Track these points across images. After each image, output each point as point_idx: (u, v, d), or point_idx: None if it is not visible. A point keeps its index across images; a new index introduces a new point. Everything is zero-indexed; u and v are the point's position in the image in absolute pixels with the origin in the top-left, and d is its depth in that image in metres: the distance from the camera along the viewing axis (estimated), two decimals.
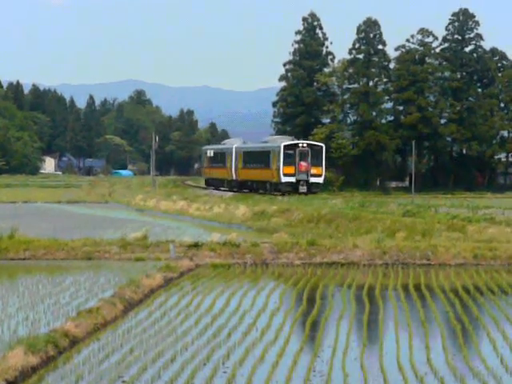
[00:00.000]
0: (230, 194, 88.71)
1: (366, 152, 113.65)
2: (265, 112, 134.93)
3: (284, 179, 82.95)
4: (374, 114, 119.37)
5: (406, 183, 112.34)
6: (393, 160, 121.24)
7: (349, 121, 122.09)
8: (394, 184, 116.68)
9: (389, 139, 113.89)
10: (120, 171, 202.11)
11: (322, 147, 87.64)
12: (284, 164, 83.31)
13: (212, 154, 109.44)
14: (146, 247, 37.30)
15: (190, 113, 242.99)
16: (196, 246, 37.21)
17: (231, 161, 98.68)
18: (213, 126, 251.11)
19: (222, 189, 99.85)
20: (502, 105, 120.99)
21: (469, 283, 30.52)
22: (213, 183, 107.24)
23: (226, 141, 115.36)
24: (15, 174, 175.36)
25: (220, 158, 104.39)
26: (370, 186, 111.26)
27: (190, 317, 23.19)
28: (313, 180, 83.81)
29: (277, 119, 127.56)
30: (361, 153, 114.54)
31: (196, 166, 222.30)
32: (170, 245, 36.84)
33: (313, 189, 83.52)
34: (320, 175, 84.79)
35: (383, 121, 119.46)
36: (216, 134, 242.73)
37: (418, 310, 24.80)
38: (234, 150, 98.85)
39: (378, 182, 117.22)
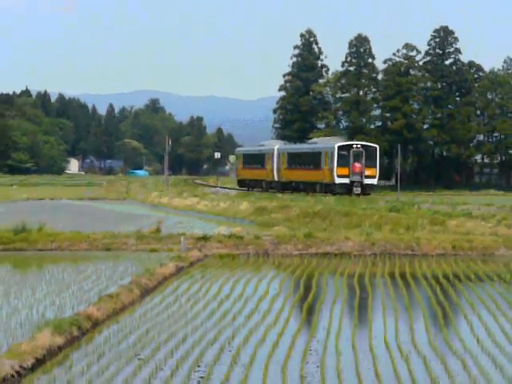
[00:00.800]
0: (235, 192, 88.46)
1: None
2: (266, 118, 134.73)
3: (338, 180, 74.93)
4: (364, 120, 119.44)
5: (393, 182, 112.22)
6: (381, 160, 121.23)
7: (341, 126, 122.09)
8: (381, 183, 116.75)
9: (377, 143, 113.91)
10: (136, 171, 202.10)
11: (375, 148, 79.81)
12: (338, 165, 75.37)
13: (247, 156, 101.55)
14: (159, 239, 37.33)
15: (199, 119, 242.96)
16: (204, 238, 37.22)
17: (272, 162, 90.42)
18: (219, 131, 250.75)
19: (259, 189, 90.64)
20: (478, 112, 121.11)
21: (448, 271, 30.54)
22: (249, 184, 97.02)
23: (263, 142, 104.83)
24: (43, 174, 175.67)
25: (258, 160, 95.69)
26: None
27: (199, 302, 23.20)
28: (367, 181, 75.79)
29: (277, 125, 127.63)
30: None
31: (205, 166, 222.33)
32: (181, 237, 36.84)
33: (366, 190, 75.07)
34: (374, 176, 76.91)
35: (372, 126, 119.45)
36: (222, 139, 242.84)
37: (404, 296, 24.79)
38: (275, 151, 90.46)
39: None
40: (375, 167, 77.00)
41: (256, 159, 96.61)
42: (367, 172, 75.46)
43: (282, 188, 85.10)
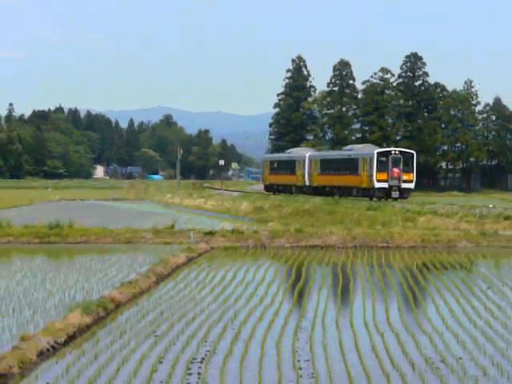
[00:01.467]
0: (237, 193, 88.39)
1: None
2: (263, 131, 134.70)
3: (377, 185, 68.64)
4: (346, 132, 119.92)
5: None
6: None
7: (327, 138, 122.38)
8: None
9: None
10: (152, 176, 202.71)
11: (412, 154, 73.05)
12: (377, 170, 69.07)
13: (275, 163, 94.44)
14: (172, 234, 37.40)
15: (206, 132, 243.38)
16: (210, 233, 37.26)
17: (303, 168, 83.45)
18: (223, 142, 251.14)
19: (288, 193, 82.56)
20: (443, 125, 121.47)
21: (418, 261, 30.60)
22: (277, 189, 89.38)
23: (290, 150, 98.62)
24: (73, 178, 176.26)
25: (287, 166, 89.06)
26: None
27: (206, 287, 23.23)
28: (404, 186, 69.46)
29: (272, 136, 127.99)
30: None
31: (211, 172, 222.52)
32: (191, 232, 36.90)
33: (404, 194, 69.36)
34: (411, 181, 70.47)
35: (353, 138, 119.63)
36: (226, 148, 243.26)
37: (380, 282, 24.82)
38: (306, 158, 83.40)
39: None
40: (412, 172, 71.08)
41: (285, 165, 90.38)
42: (405, 177, 69.82)
43: (314, 192, 78.29)
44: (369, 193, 69.80)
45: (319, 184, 79.90)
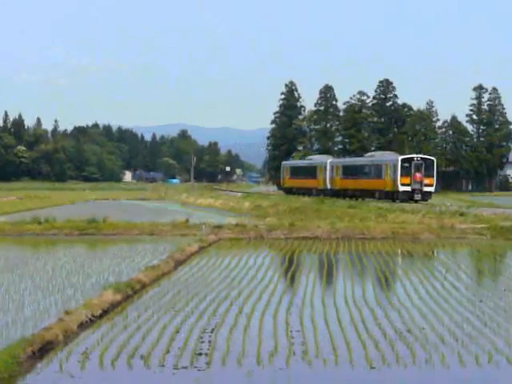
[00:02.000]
0: (240, 194, 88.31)
1: None
2: (262, 143, 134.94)
3: (401, 188, 63.59)
4: (330, 144, 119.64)
5: None
6: None
7: (314, 148, 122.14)
8: None
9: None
10: (171, 179, 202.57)
11: (433, 160, 67.45)
12: (401, 175, 63.97)
13: (295, 168, 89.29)
14: (187, 227, 37.37)
15: (215, 144, 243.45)
16: (218, 226, 37.24)
17: (324, 172, 78.36)
18: (229, 152, 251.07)
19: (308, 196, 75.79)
20: (410, 138, 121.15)
21: (389, 249, 30.60)
22: (297, 191, 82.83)
23: (311, 157, 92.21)
24: (106, 182, 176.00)
25: (307, 171, 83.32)
26: None
27: (215, 270, 23.26)
28: (426, 189, 64.42)
29: (269, 147, 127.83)
30: None
31: (219, 176, 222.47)
32: (203, 226, 36.89)
33: (426, 197, 63.81)
34: (432, 185, 65.32)
35: (335, 148, 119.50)
36: (231, 157, 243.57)
37: (358, 266, 24.86)
38: (327, 164, 78.36)
39: None
40: (433, 177, 65.80)
41: (305, 170, 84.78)
42: (426, 181, 64.72)
43: (335, 194, 73.44)
44: (392, 195, 64.98)
45: (341, 187, 74.79)
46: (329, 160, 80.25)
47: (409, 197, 63.04)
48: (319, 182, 79.13)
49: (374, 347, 12.77)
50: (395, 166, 65.15)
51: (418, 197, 63.15)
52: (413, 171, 64.19)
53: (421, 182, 63.98)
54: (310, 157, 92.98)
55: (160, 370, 11.38)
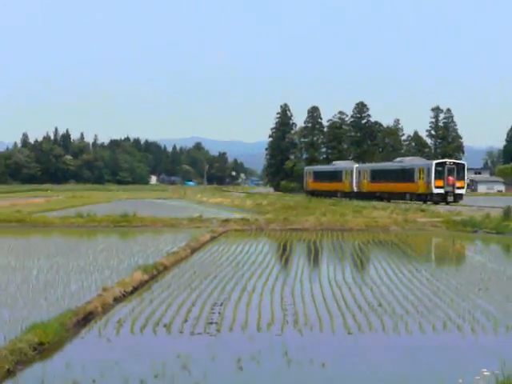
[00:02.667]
0: (243, 194, 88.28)
1: None
2: (261, 153, 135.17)
3: (435, 191, 57.85)
4: (316, 153, 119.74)
5: None
6: None
7: (304, 157, 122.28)
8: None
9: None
10: (188, 182, 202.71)
11: (464, 165, 61.01)
12: (435, 178, 58.04)
13: (318, 173, 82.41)
14: (201, 221, 37.43)
15: (224, 153, 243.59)
16: (226, 220, 37.32)
17: (351, 177, 71.78)
18: (235, 160, 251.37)
19: (331, 198, 70.67)
20: (380, 149, 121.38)
21: (364, 239, 30.60)
22: (321, 194, 76.78)
23: (335, 162, 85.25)
24: (136, 184, 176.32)
25: (332, 175, 76.81)
26: None
27: (223, 255, 23.26)
28: (457, 191, 58.64)
29: (267, 157, 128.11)
30: None
31: (227, 180, 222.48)
32: (213, 220, 36.98)
33: (457, 198, 58.13)
34: (463, 187, 59.48)
35: (321, 158, 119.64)
36: (236, 165, 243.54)
37: (338, 252, 24.88)
38: (354, 169, 71.96)
39: None
40: (464, 180, 59.89)
41: (329, 175, 78.06)
42: (458, 184, 58.91)
43: (362, 197, 66.93)
44: (425, 197, 58.95)
45: (368, 190, 68.42)
46: (355, 165, 74.20)
47: (442, 199, 57.87)
48: (345, 186, 73.07)
49: (351, 317, 12.78)
50: (429, 170, 59.15)
51: (450, 199, 57.86)
52: (446, 175, 58.70)
53: (453, 185, 58.50)
54: (333, 162, 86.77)
55: (179, 336, 11.40)
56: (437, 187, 58.13)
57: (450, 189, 58.22)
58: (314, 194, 78.47)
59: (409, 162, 66.02)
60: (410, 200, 59.21)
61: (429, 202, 55.99)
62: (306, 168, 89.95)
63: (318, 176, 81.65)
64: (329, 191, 75.57)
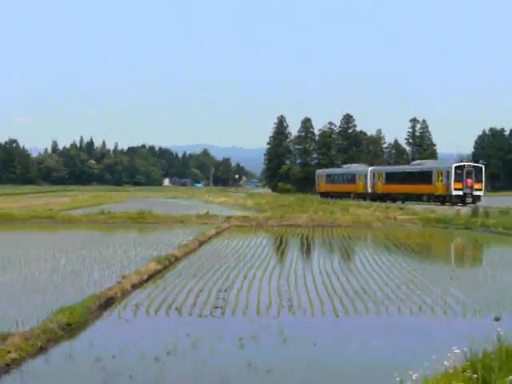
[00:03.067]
0: (244, 194, 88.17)
1: (306, 176, 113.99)
2: (260, 158, 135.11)
3: (454, 193, 52.65)
4: (309, 159, 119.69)
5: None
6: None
7: (298, 162, 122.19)
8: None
9: (315, 169, 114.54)
10: (196, 184, 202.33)
11: (482, 168, 55.45)
12: (455, 181, 52.81)
13: (331, 175, 76.49)
14: (208, 217, 37.38)
15: (228, 159, 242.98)
16: (230, 217, 37.27)
17: (365, 179, 65.94)
18: (237, 164, 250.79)
19: (343, 199, 64.96)
20: (364, 156, 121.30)
21: (350, 234, 30.59)
22: (333, 195, 71.04)
23: (348, 165, 79.61)
24: (151, 186, 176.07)
25: (345, 178, 71.20)
26: (307, 190, 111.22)
27: (227, 248, 23.26)
28: (476, 193, 53.33)
29: (266, 161, 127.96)
30: (303, 176, 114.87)
31: (230, 182, 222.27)
32: (219, 216, 36.95)
33: (476, 200, 52.70)
34: (481, 189, 53.94)
35: (312, 162, 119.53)
36: (238, 168, 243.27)
37: (328, 246, 24.88)
38: (369, 171, 66.11)
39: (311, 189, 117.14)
40: (482, 182, 54.33)
41: (343, 177, 72.31)
42: (476, 186, 53.61)
43: (376, 198, 61.78)
44: (444, 199, 53.71)
45: (383, 192, 62.60)
46: (369, 168, 68.49)
47: (461, 200, 52.65)
48: (358, 187, 67.21)
49: (339, 302, 12.80)
50: (448, 173, 53.81)
51: (469, 200, 52.63)
52: (464, 177, 53.37)
53: (471, 187, 53.28)
54: (346, 166, 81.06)
55: (188, 318, 11.40)
56: (456, 189, 53.20)
57: (468, 191, 53.29)
58: (326, 195, 73.19)
59: (427, 164, 60.37)
60: (427, 201, 54.74)
61: (447, 204, 52.08)
62: (318, 171, 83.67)
63: (331, 178, 76.32)
64: (341, 193, 70.31)
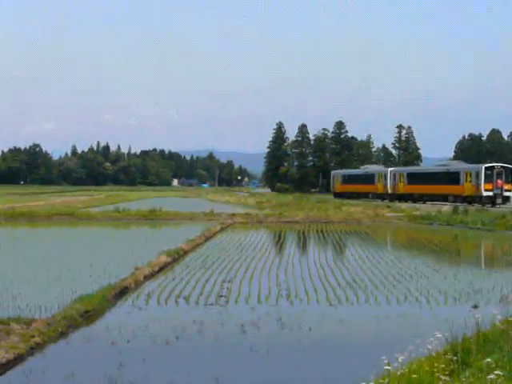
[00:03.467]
0: (247, 194, 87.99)
1: (302, 177, 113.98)
2: (261, 161, 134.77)
3: (485, 193, 47.70)
4: (305, 161, 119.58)
5: (318, 189, 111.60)
6: (313, 180, 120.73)
7: (295, 164, 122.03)
8: (313, 190, 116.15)
9: (310, 171, 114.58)
10: (203, 184, 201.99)
11: (511, 169, 49.81)
12: (485, 181, 47.89)
13: (347, 176, 70.38)
14: (213, 215, 37.29)
15: (231, 161, 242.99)
16: (233, 214, 37.21)
17: (384, 179, 59.82)
18: (240, 166, 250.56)
19: (354, 199, 59.89)
20: (356, 158, 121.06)
21: (342, 228, 30.53)
22: (350, 196, 64.34)
23: (366, 166, 73.11)
24: (161, 186, 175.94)
25: (363, 178, 64.75)
26: (304, 189, 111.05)
27: (231, 242, 23.22)
28: (506, 194, 48.53)
29: (266, 164, 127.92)
30: (300, 177, 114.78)
31: (234, 182, 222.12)
32: (223, 214, 36.88)
33: (505, 201, 48.29)
34: (510, 190, 48.88)
35: (308, 165, 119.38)
36: (241, 170, 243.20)
37: (322, 240, 24.85)
38: (388, 172, 60.08)
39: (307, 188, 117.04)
40: (511, 183, 49.05)
41: (360, 178, 66.03)
42: (506, 187, 48.64)
43: (397, 198, 56.33)
44: (472, 199, 48.44)
45: (404, 192, 56.63)
46: (389, 169, 62.57)
47: (491, 201, 47.80)
48: (377, 188, 61.07)
49: (332, 292, 12.79)
50: (478, 174, 48.78)
51: (498, 201, 47.96)
52: (494, 178, 48.53)
53: (501, 188, 48.50)
54: (363, 167, 74.32)
55: (195, 306, 11.41)
56: (486, 190, 48.21)
57: (498, 191, 48.49)
58: (342, 196, 66.46)
59: (454, 165, 54.96)
60: (454, 202, 48.77)
61: (476, 204, 47.43)
62: (334, 172, 76.56)
63: (347, 179, 69.75)
64: (359, 193, 64.12)
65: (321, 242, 24.21)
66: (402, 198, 56.24)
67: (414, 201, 53.66)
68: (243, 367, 8.14)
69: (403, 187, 57.64)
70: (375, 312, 11.11)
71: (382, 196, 59.77)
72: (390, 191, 59.32)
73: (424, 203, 51.31)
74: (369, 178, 63.96)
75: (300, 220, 36.00)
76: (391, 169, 63.07)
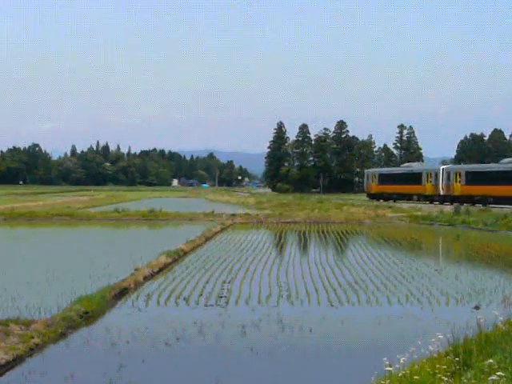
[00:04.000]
0: (247, 194, 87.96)
1: (303, 177, 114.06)
2: (262, 161, 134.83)
3: None
4: (305, 162, 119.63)
5: (318, 189, 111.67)
6: (314, 180, 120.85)
7: (295, 164, 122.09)
8: (313, 190, 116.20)
9: (311, 171, 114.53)
10: (203, 185, 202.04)
11: None
12: None
13: (386, 175, 61.35)
14: (213, 215, 37.32)
15: (231, 161, 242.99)
16: (233, 214, 37.26)
17: (435, 179, 51.43)
18: (240, 167, 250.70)
19: (398, 201, 54.89)
20: (357, 158, 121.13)
21: (342, 228, 30.50)
22: (389, 197, 57.50)
23: (408, 164, 65.43)
24: (161, 186, 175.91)
25: (407, 177, 56.42)
26: (305, 190, 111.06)
27: (231, 243, 23.20)
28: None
29: (266, 164, 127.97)
30: (300, 177, 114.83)
31: (234, 182, 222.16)
32: (223, 214, 36.88)
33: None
34: None
35: (309, 165, 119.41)
36: (242, 170, 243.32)
37: (323, 240, 24.85)
38: (441, 170, 51.31)
39: (308, 188, 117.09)
40: None
41: (402, 177, 57.78)
42: None
43: (452, 200, 48.53)
44: None
45: (462, 193, 48.13)
46: (442, 166, 54.35)
47: None
48: (425, 189, 52.97)
49: (333, 292, 12.78)
50: None
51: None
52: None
53: None
54: (405, 164, 66.74)
55: (196, 307, 11.40)
56: None
57: None
58: (379, 197, 59.33)
59: None
60: None
61: None
62: (369, 171, 67.22)
63: (386, 179, 61.02)
64: (401, 194, 56.69)
65: (321, 242, 24.17)
66: (459, 200, 47.84)
67: (475, 203, 45.90)
68: (244, 369, 8.13)
69: (461, 188, 48.99)
70: (377, 312, 11.08)
71: (431, 198, 52.16)
72: (442, 192, 50.96)
73: (485, 205, 43.89)
74: (414, 178, 55.46)
75: (301, 220, 35.98)
76: (445, 166, 54.46)
